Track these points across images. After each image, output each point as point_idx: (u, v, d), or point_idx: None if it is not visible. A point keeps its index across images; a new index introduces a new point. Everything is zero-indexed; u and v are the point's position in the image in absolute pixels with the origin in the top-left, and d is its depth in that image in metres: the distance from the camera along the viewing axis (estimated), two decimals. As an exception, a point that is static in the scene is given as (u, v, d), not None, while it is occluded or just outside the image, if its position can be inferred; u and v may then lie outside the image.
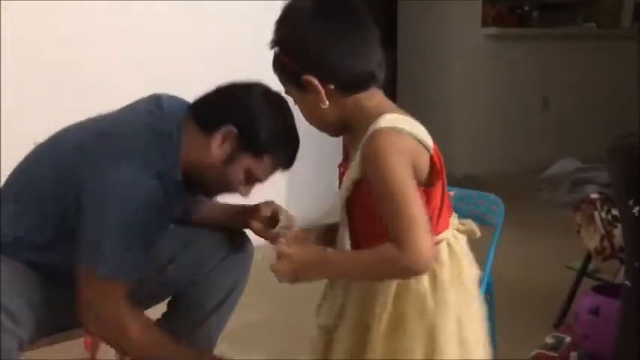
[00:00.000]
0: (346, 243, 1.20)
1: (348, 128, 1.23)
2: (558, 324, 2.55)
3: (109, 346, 1.84)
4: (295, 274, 1.16)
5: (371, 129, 1.14)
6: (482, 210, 1.98)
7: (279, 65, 1.22)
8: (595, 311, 2.15)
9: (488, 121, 5.22)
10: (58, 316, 1.53)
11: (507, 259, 2.70)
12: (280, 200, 3.57)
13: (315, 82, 1.17)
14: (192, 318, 1.73)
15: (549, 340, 2.25)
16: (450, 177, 1.25)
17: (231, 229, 1.77)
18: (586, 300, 2.27)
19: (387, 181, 1.10)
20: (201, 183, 1.55)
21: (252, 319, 2.49)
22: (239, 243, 1.77)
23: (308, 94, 1.19)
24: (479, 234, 1.31)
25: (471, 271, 1.25)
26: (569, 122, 5.28)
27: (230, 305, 1.76)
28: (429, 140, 1.16)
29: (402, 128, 1.12)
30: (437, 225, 1.20)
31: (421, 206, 1.09)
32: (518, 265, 3.10)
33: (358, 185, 1.17)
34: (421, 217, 1.09)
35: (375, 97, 1.20)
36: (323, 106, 1.18)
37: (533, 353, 2.19)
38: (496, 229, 1.95)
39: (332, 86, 1.17)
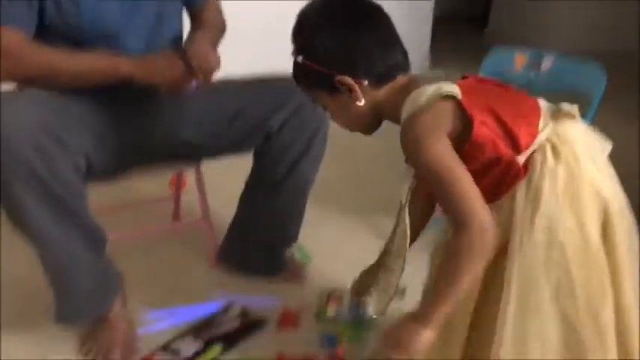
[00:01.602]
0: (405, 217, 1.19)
1: (381, 120, 1.24)
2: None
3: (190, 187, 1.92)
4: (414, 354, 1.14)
5: (403, 117, 1.15)
6: (581, 79, 1.85)
7: (304, 73, 1.22)
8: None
9: None
10: (119, 138, 1.53)
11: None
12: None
13: (350, 80, 1.18)
14: (277, 173, 1.74)
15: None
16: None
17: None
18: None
19: (430, 169, 1.10)
20: None
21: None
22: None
23: (341, 96, 1.20)
24: (576, 115, 1.18)
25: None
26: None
27: (316, 152, 1.76)
28: (451, 88, 1.12)
29: (421, 102, 1.12)
30: (517, 140, 1.12)
31: (469, 180, 1.08)
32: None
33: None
34: (473, 192, 1.07)
35: (399, 80, 1.21)
36: (359, 104, 1.19)
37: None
38: (594, 101, 1.83)
39: (366, 82, 1.18)
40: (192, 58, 1.50)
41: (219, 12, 1.79)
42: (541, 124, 1.14)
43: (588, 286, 1.11)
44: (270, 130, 1.70)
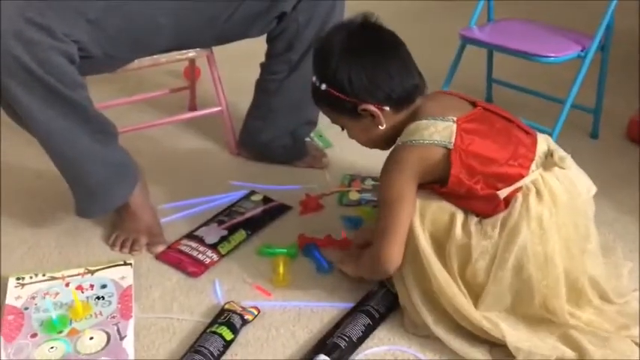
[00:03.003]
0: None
1: (398, 136, 1.29)
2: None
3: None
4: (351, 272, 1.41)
5: (397, 142, 1.27)
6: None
7: (328, 100, 1.29)
8: None
9: None
10: (117, 24, 1.44)
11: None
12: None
13: (373, 108, 1.25)
14: (292, 55, 1.69)
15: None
16: None
17: None
18: None
19: (382, 192, 1.27)
20: None
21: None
22: None
23: (363, 120, 1.29)
24: (566, 166, 1.24)
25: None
26: None
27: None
28: (445, 137, 1.21)
29: (413, 141, 1.22)
30: (504, 177, 1.22)
31: (404, 219, 1.24)
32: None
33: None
34: (400, 228, 1.24)
35: (416, 102, 1.29)
36: (381, 127, 1.28)
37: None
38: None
39: (387, 108, 1.26)
40: None
41: None
42: (533, 166, 1.23)
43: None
44: (284, 10, 1.63)
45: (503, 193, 1.21)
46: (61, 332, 1.29)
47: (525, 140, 1.26)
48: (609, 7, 1.76)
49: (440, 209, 1.25)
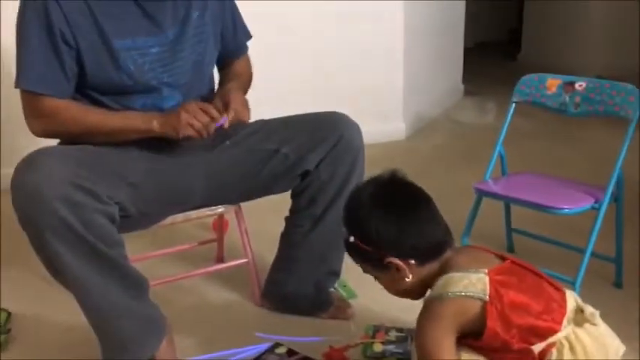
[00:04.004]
0: None
1: (428, 288, 1.34)
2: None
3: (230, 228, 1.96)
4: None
5: (427, 295, 1.30)
6: (617, 102, 1.84)
7: (357, 251, 1.35)
8: None
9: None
10: (155, 186, 1.58)
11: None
12: (398, 98, 3.60)
13: (398, 262, 1.30)
14: (316, 210, 1.76)
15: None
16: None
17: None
18: None
19: (419, 349, 1.26)
20: None
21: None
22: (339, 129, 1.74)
23: (390, 272, 1.33)
24: (597, 322, 1.27)
25: None
26: None
27: (355, 185, 1.75)
28: (480, 290, 1.23)
29: (447, 294, 1.24)
30: (538, 332, 1.23)
31: None
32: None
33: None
34: None
35: (443, 255, 1.33)
36: (407, 280, 1.32)
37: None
38: (631, 123, 1.82)
39: (412, 261, 1.31)
40: (224, 97, 1.59)
41: (249, 65, 1.87)
42: (564, 322, 1.24)
43: None
44: (307, 168, 1.73)
45: (537, 348, 1.21)
46: None
47: (555, 296, 1.28)
48: (617, 162, 1.82)
49: None
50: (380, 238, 1.29)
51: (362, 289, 1.73)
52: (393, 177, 1.35)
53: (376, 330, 1.76)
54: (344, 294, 1.95)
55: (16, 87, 1.52)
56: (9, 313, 1.88)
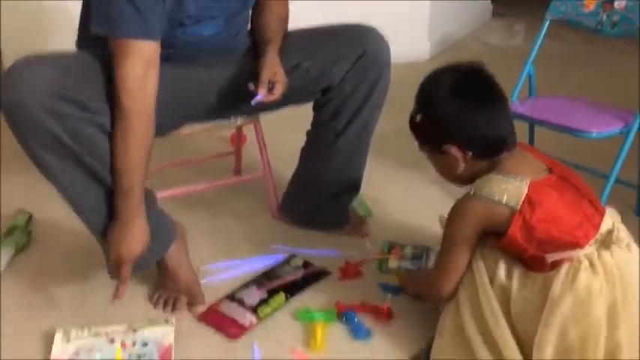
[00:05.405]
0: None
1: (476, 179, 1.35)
2: None
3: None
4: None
5: (469, 190, 1.32)
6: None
7: (420, 129, 1.38)
8: None
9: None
10: (164, 96, 1.45)
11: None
12: (424, 16, 3.49)
13: (455, 151, 1.33)
14: (338, 123, 1.73)
15: None
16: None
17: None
18: None
19: (446, 232, 1.35)
20: None
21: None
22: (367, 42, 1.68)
23: (444, 157, 1.35)
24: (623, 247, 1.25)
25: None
26: None
27: (377, 100, 1.72)
28: (514, 198, 1.25)
29: (481, 195, 1.28)
30: (560, 244, 1.24)
31: (461, 260, 1.33)
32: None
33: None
34: (455, 267, 1.34)
35: (500, 155, 1.33)
36: (459, 169, 1.34)
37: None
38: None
39: (470, 154, 1.33)
40: (263, 72, 1.56)
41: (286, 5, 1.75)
42: (591, 242, 1.24)
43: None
44: (331, 82, 1.69)
45: (550, 258, 1.22)
46: (101, 388, 1.31)
47: (591, 215, 1.27)
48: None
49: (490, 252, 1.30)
50: (445, 124, 1.31)
51: (378, 207, 1.73)
52: (476, 68, 1.35)
53: (391, 246, 1.77)
54: (361, 211, 1.96)
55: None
56: (30, 215, 1.91)
